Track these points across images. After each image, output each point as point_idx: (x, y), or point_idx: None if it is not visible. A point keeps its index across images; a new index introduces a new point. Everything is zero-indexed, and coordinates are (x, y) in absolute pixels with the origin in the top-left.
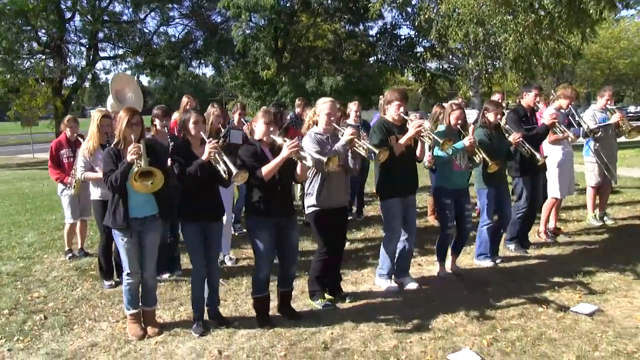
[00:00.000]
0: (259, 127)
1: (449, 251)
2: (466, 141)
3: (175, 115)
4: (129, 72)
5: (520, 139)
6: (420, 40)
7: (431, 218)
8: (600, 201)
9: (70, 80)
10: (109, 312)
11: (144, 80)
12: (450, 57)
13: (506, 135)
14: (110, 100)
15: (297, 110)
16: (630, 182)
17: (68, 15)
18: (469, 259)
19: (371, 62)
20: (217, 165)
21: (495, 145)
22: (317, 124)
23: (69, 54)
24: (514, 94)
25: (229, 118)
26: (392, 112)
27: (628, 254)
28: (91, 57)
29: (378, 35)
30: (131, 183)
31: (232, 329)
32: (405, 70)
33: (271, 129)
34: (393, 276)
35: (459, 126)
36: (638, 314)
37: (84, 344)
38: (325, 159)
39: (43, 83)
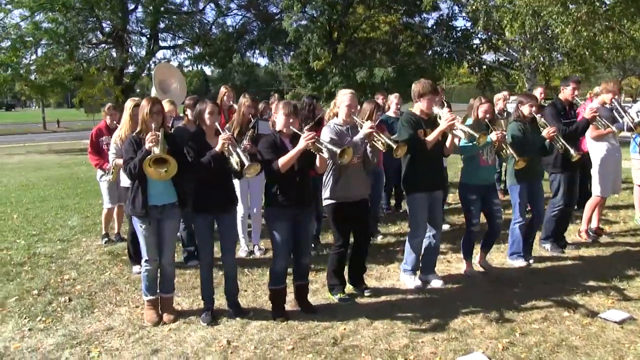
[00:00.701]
0: (279, 119)
1: (478, 248)
2: (493, 135)
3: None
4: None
5: (555, 133)
6: (477, 31)
7: None
8: None
9: (131, 69)
10: (130, 297)
11: (207, 70)
12: (507, 49)
13: (541, 129)
14: (153, 90)
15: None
16: None
17: (131, 6)
18: (502, 257)
19: (427, 54)
20: (230, 156)
21: (530, 139)
22: (337, 116)
23: (131, 43)
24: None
25: (260, 109)
26: (423, 105)
27: None
28: (151, 46)
29: (434, 27)
30: (145, 169)
31: (247, 319)
32: (461, 63)
33: (291, 120)
34: (418, 273)
35: (487, 120)
36: None
37: (100, 328)
38: (338, 150)
39: (105, 72)
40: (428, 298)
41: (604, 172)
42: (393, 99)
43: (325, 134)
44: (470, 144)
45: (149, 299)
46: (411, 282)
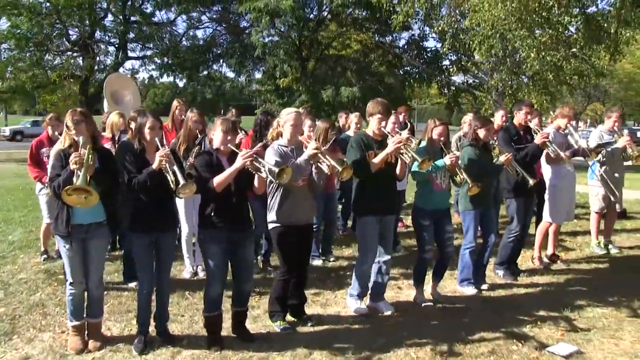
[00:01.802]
0: (216, 136)
1: (430, 276)
2: (447, 159)
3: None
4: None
5: (511, 159)
6: (445, 53)
7: None
8: (605, 228)
9: (98, 78)
10: (58, 321)
11: (180, 83)
12: (476, 71)
13: (494, 154)
14: (106, 104)
15: (341, 121)
16: None
17: (100, 14)
18: (455, 284)
19: (397, 73)
20: (168, 174)
21: (485, 164)
22: (282, 136)
23: (98, 52)
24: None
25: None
26: (373, 125)
27: (627, 287)
28: (119, 56)
29: (405, 47)
30: (64, 198)
31: (179, 348)
32: (431, 83)
33: (229, 137)
34: (368, 299)
35: (441, 143)
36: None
37: (15, 357)
38: (277, 170)
39: (71, 80)
40: (373, 328)
41: (557, 198)
42: (353, 118)
43: (269, 156)
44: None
45: (74, 324)
46: (356, 307)
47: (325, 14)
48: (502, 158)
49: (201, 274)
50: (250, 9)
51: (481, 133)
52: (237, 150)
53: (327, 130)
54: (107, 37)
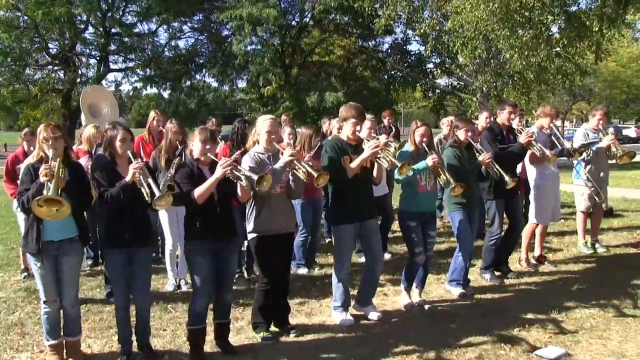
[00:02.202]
0: (195, 146)
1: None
2: (429, 160)
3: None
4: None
5: (490, 159)
6: (428, 55)
7: None
8: (592, 227)
9: (80, 91)
10: (37, 340)
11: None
12: (460, 73)
13: (477, 155)
14: (83, 117)
15: (325, 127)
16: (636, 204)
17: (80, 26)
18: (442, 288)
19: (382, 77)
20: (142, 187)
21: (466, 166)
22: (258, 143)
23: (80, 65)
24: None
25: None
26: (347, 130)
27: (615, 287)
28: (101, 68)
29: (389, 51)
30: (34, 209)
31: None
32: (415, 87)
33: (208, 147)
34: (353, 306)
35: (424, 144)
36: None
37: None
38: (256, 177)
39: (53, 94)
40: (359, 336)
41: (542, 198)
42: (335, 123)
43: (245, 163)
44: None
45: (51, 343)
46: (342, 319)
47: (308, 20)
48: (481, 157)
49: (184, 287)
50: (231, 17)
51: (460, 134)
52: (216, 160)
53: (311, 137)
54: (88, 50)
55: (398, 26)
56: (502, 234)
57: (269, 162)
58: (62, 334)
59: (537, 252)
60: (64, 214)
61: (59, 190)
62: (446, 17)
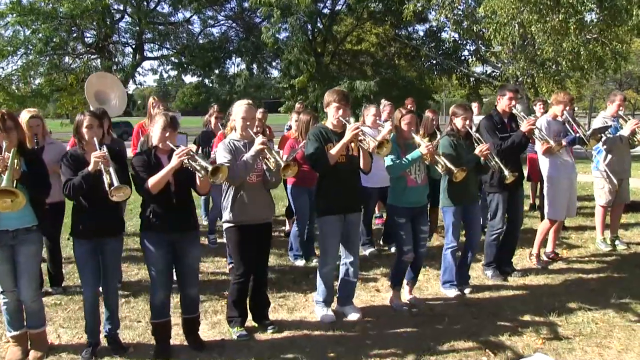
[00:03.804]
0: (155, 132)
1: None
2: (423, 148)
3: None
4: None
5: (488, 151)
6: (466, 43)
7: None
8: (612, 222)
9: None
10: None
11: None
12: (495, 61)
13: (476, 144)
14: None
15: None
16: None
17: (117, 16)
18: (437, 286)
19: (416, 66)
20: (105, 176)
21: (462, 156)
22: (235, 130)
23: (116, 53)
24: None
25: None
26: (330, 116)
27: (627, 288)
28: (136, 57)
29: (424, 38)
30: None
31: (125, 357)
32: (451, 75)
33: (167, 134)
34: (336, 303)
35: (412, 133)
36: None
37: None
38: (210, 168)
39: None
40: (337, 335)
41: (556, 192)
42: (372, 110)
43: (220, 151)
44: (397, 161)
45: (13, 334)
46: (322, 314)
47: (341, 7)
48: (478, 149)
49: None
50: (260, 2)
51: (458, 122)
52: (174, 148)
53: (309, 123)
54: (123, 39)
55: (430, 12)
56: (503, 228)
57: (245, 150)
58: (24, 325)
59: (549, 248)
60: (19, 205)
61: (14, 181)
62: (479, 2)
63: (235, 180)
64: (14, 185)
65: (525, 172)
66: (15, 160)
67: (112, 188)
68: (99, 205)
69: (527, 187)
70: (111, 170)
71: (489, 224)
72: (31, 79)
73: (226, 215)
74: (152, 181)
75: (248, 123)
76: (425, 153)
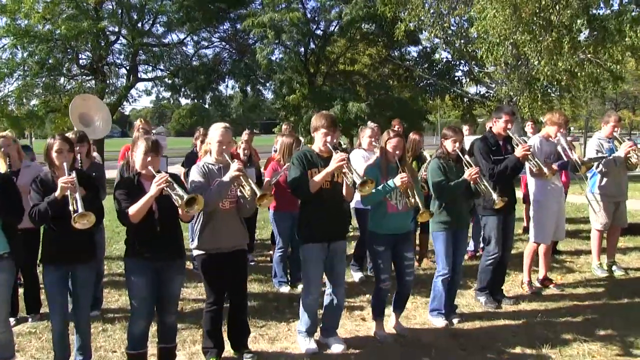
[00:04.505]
0: (137, 157)
1: (390, 308)
2: (397, 180)
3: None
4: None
5: (477, 175)
6: (459, 63)
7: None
8: (608, 246)
9: (109, 100)
10: None
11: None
12: (489, 81)
13: (466, 168)
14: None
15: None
16: None
17: (112, 38)
18: (426, 315)
19: (409, 86)
20: (71, 202)
21: (452, 180)
22: (210, 154)
23: (111, 75)
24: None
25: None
26: (318, 140)
27: (626, 318)
28: (131, 78)
29: (416, 59)
30: None
31: None
32: (444, 95)
33: (149, 159)
34: (319, 334)
35: (397, 158)
36: None
37: None
38: (186, 197)
39: None
40: None
41: (542, 215)
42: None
43: (193, 174)
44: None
45: None
46: (305, 345)
47: (333, 29)
48: (467, 173)
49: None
50: (253, 24)
51: (448, 145)
52: (156, 174)
53: (291, 146)
54: (118, 60)
55: (422, 33)
56: (500, 253)
57: (219, 174)
58: None
59: (541, 274)
60: None
61: None
62: (471, 22)
63: (208, 206)
64: None
65: (521, 194)
66: None
67: (75, 215)
68: (69, 231)
69: (521, 208)
70: (77, 196)
71: (485, 249)
72: (26, 100)
73: (195, 241)
74: (132, 210)
75: (224, 147)
76: (399, 185)
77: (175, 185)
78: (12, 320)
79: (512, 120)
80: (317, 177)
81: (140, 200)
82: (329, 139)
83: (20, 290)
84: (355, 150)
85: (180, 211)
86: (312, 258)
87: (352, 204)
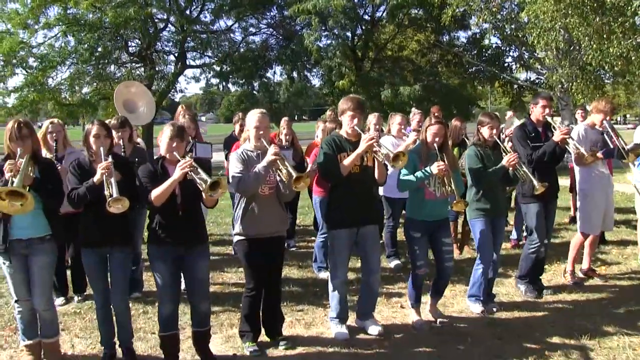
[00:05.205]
0: (162, 142)
1: (428, 294)
2: (434, 168)
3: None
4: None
5: (515, 161)
6: (508, 49)
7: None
8: None
9: (158, 87)
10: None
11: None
12: (539, 67)
13: (503, 154)
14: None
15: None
16: None
17: (160, 25)
18: (464, 303)
19: (458, 72)
20: (106, 187)
21: (489, 166)
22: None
23: (159, 62)
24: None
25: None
26: (345, 124)
27: None
28: (179, 65)
29: (466, 45)
30: None
31: None
32: (494, 82)
33: (174, 144)
34: (356, 317)
35: (436, 145)
36: None
37: None
38: (209, 181)
39: None
40: (352, 353)
41: (590, 205)
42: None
43: (232, 162)
44: (410, 175)
45: (27, 344)
46: (336, 331)
47: (381, 14)
48: (506, 159)
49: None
50: (299, 10)
51: (484, 132)
52: (180, 159)
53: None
54: (167, 47)
55: (471, 18)
56: (543, 241)
57: (258, 160)
58: (38, 334)
59: (585, 264)
60: (27, 208)
61: (26, 186)
62: (521, 7)
63: (247, 192)
64: (26, 189)
65: (568, 183)
66: (29, 167)
67: (110, 199)
68: (104, 215)
69: (569, 197)
70: (112, 181)
71: (528, 237)
72: (78, 88)
73: (237, 227)
74: (155, 193)
75: (261, 132)
76: (436, 173)
77: (200, 170)
78: (61, 299)
79: (549, 105)
80: (347, 161)
81: (164, 183)
82: (355, 121)
83: (68, 272)
84: (385, 136)
85: (204, 195)
86: (340, 244)
87: (382, 191)
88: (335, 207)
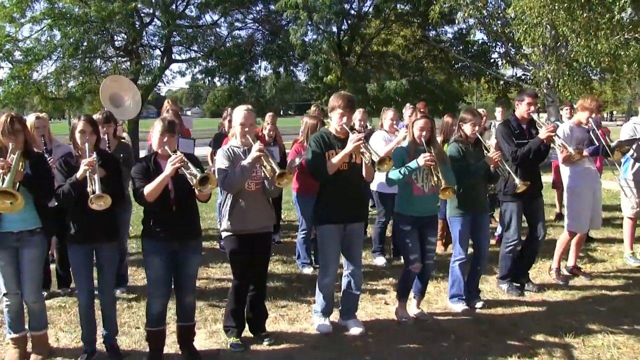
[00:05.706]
0: (153, 137)
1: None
2: (421, 160)
3: None
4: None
5: (498, 158)
6: (495, 45)
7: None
8: None
9: (144, 81)
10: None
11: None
12: (526, 64)
13: (486, 152)
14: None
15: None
16: None
17: (147, 20)
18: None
19: (444, 68)
20: (89, 183)
21: (471, 164)
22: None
23: (145, 56)
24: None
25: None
26: (334, 122)
27: None
28: (165, 59)
29: (452, 41)
30: None
31: None
32: (480, 78)
33: (165, 139)
34: (338, 316)
35: (424, 139)
36: None
37: None
38: (199, 176)
39: None
40: (334, 349)
41: (578, 203)
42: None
43: (219, 158)
44: (397, 172)
45: (13, 337)
46: (319, 323)
47: (367, 8)
48: (487, 157)
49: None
50: (286, 5)
51: (466, 128)
52: (172, 154)
53: (315, 128)
54: (153, 42)
55: (457, 13)
56: (519, 240)
57: (244, 157)
58: (26, 327)
59: (570, 262)
60: (17, 207)
61: (16, 183)
62: (508, 3)
63: (233, 188)
64: (17, 188)
65: (550, 180)
66: (20, 163)
67: (92, 196)
68: (90, 211)
69: (553, 195)
70: (95, 177)
71: (504, 236)
72: (64, 82)
73: (224, 223)
74: (147, 189)
75: (246, 129)
76: (422, 164)
77: (190, 165)
78: (44, 293)
79: (534, 102)
80: (335, 159)
81: (156, 179)
82: (344, 119)
83: (53, 266)
84: (377, 131)
85: (195, 191)
86: (329, 240)
87: (375, 187)
88: (324, 203)
